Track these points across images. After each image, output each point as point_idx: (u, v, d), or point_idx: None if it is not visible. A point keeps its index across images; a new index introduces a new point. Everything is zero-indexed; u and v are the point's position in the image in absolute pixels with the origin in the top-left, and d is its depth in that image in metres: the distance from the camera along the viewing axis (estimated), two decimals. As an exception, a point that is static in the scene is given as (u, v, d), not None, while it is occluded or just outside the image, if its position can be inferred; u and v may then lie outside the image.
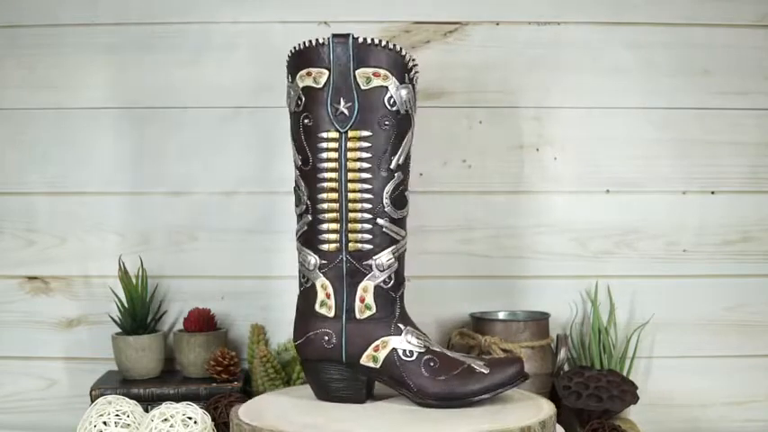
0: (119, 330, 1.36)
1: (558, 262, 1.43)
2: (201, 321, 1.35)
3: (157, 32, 1.41)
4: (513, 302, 1.42)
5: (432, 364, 1.06)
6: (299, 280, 1.11)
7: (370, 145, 1.06)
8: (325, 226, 1.07)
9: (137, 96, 1.41)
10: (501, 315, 1.38)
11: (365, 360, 1.06)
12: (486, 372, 1.06)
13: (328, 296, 1.07)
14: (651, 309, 1.42)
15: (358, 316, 1.07)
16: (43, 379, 1.43)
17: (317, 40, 1.05)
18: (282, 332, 1.41)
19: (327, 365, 1.08)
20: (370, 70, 1.05)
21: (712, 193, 1.44)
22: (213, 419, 1.12)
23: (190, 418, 1.04)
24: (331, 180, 1.06)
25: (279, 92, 1.41)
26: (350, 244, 1.06)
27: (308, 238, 1.08)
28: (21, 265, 1.43)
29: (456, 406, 1.06)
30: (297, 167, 1.09)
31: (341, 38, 1.04)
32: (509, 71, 1.42)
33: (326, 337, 1.07)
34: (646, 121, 1.43)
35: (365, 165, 1.06)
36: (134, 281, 1.35)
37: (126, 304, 1.35)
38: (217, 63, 1.42)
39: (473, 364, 1.07)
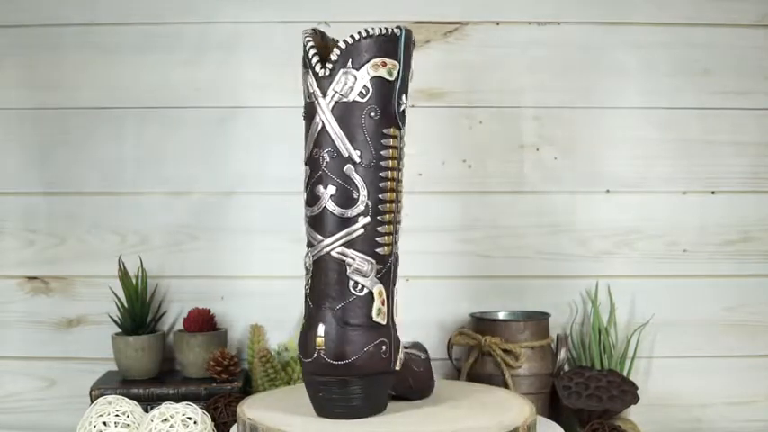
0: (119, 330, 1.36)
1: (558, 262, 1.43)
2: (201, 321, 1.35)
3: (157, 32, 1.41)
4: (513, 302, 1.42)
5: (413, 357, 1.09)
6: (346, 290, 0.98)
7: (404, 144, 1.03)
8: (384, 228, 1.00)
9: (137, 96, 1.41)
10: (501, 315, 1.38)
11: (398, 365, 1.03)
12: (425, 356, 1.12)
13: (383, 303, 1.00)
14: (651, 309, 1.42)
15: (395, 320, 1.04)
16: (43, 379, 1.43)
17: (391, 29, 0.98)
18: (282, 332, 1.41)
19: (376, 378, 1.01)
20: (413, 69, 1.02)
21: (712, 193, 1.44)
22: (213, 419, 1.12)
23: (190, 419, 1.04)
24: (392, 180, 1.00)
25: (279, 92, 1.41)
26: (394, 246, 1.02)
27: (366, 242, 0.99)
28: (21, 265, 1.43)
29: (428, 394, 1.11)
30: (350, 163, 0.97)
31: (407, 31, 0.99)
32: (509, 71, 1.42)
33: (384, 347, 1.00)
34: (646, 121, 1.43)
35: (402, 163, 1.03)
36: (134, 281, 1.35)
37: (126, 304, 1.35)
38: (217, 63, 1.42)
39: (416, 352, 1.11)
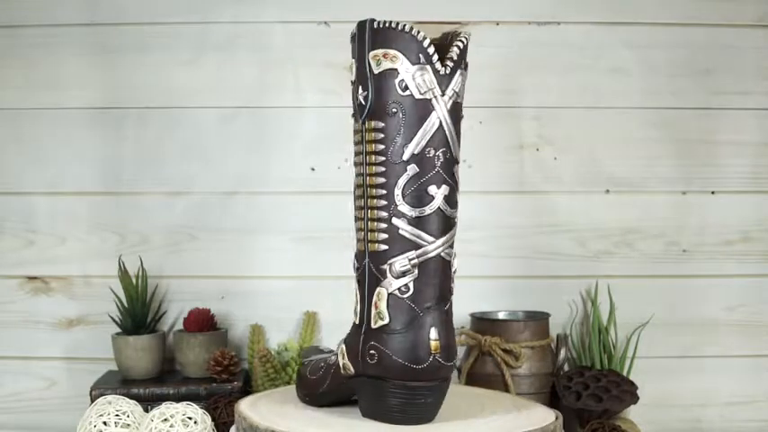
0: (119, 330, 1.36)
1: (558, 262, 1.43)
2: (201, 321, 1.35)
3: (157, 32, 1.41)
4: (513, 302, 1.42)
5: None
6: (448, 291, 0.97)
7: None
8: None
9: (137, 96, 1.41)
10: (501, 315, 1.38)
11: None
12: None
13: None
14: (651, 309, 1.42)
15: None
16: (43, 379, 1.43)
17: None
18: (282, 332, 1.41)
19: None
20: None
21: (712, 193, 1.44)
22: (213, 419, 1.12)
23: (190, 418, 1.05)
24: None
25: (278, 92, 1.42)
26: None
27: (454, 242, 0.98)
28: (21, 265, 1.43)
29: None
30: (457, 163, 0.97)
31: None
32: (509, 71, 1.42)
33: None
34: (646, 121, 1.43)
35: None
36: (134, 281, 1.35)
37: (126, 304, 1.35)
38: (217, 63, 1.42)
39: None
